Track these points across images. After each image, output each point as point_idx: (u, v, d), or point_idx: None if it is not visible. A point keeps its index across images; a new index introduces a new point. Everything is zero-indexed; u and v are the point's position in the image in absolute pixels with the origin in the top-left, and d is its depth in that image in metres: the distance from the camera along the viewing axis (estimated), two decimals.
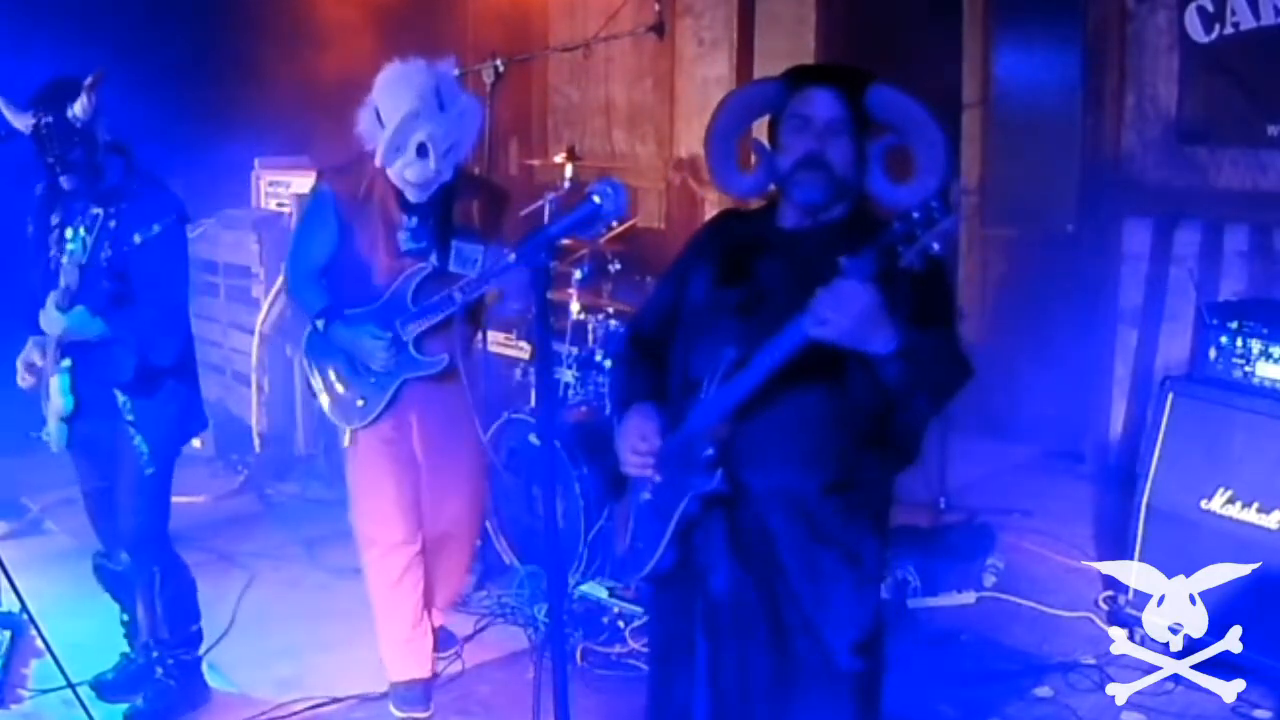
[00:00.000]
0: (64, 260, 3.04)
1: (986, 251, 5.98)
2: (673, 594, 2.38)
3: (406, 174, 3.16)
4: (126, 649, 3.59)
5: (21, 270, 3.38)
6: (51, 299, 3.07)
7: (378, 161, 3.15)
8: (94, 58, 4.24)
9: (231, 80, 6.12)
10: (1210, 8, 4.76)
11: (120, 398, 3.23)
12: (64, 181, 3.12)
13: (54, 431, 3.29)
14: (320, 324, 3.32)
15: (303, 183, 5.98)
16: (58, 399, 3.20)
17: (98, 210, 3.04)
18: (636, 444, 2.32)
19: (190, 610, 3.47)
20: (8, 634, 3.68)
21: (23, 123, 3.10)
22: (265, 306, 5.67)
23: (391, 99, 3.12)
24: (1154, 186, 5.11)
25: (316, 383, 3.43)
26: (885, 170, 2.23)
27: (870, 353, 2.03)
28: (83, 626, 3.84)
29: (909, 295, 2.05)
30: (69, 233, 3.04)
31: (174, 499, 4.12)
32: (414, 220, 3.27)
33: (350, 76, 6.95)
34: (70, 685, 3.11)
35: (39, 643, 3.22)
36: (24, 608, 3.12)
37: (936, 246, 1.94)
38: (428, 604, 3.52)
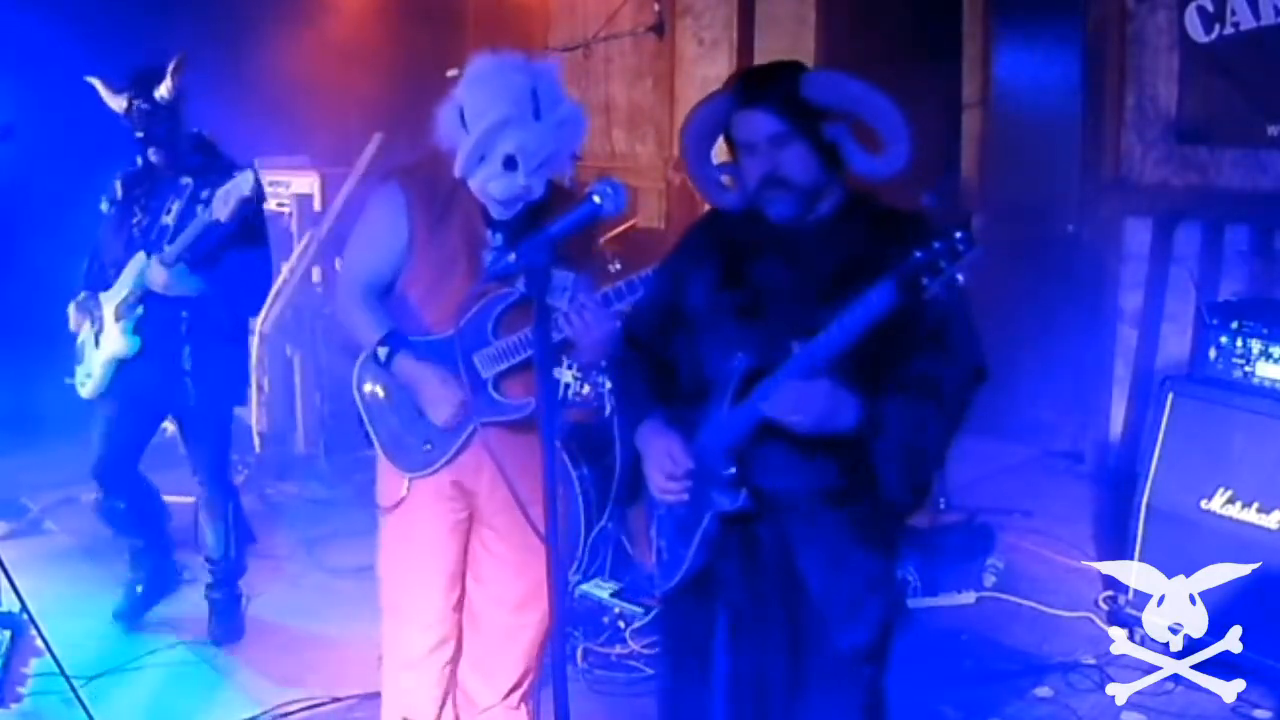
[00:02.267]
0: (165, 221, 3.59)
1: (986, 252, 5.97)
2: (690, 603, 2.37)
3: (490, 188, 2.67)
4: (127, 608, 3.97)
5: (78, 247, 3.90)
6: (138, 258, 3.60)
7: (456, 171, 2.67)
8: (93, 56, 4.25)
9: (231, 80, 6.11)
10: (1210, 8, 4.76)
11: (184, 349, 3.66)
12: (152, 155, 3.65)
13: (96, 374, 3.73)
14: (383, 353, 2.73)
15: (303, 183, 5.99)
16: (119, 341, 3.66)
17: (187, 180, 3.59)
18: (670, 469, 2.25)
19: (246, 537, 4.08)
20: (8, 634, 3.66)
21: (117, 104, 3.62)
22: (265, 306, 5.67)
23: (479, 100, 2.61)
24: (1154, 186, 5.11)
25: (369, 424, 2.86)
26: (859, 144, 2.18)
27: (842, 431, 2.08)
28: (83, 626, 3.84)
29: (923, 315, 2.07)
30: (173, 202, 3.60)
31: (173, 499, 4.18)
32: (499, 238, 2.75)
33: (350, 76, 6.97)
34: (70, 685, 3.11)
35: (39, 642, 3.22)
36: (24, 608, 3.13)
37: (962, 278, 1.92)
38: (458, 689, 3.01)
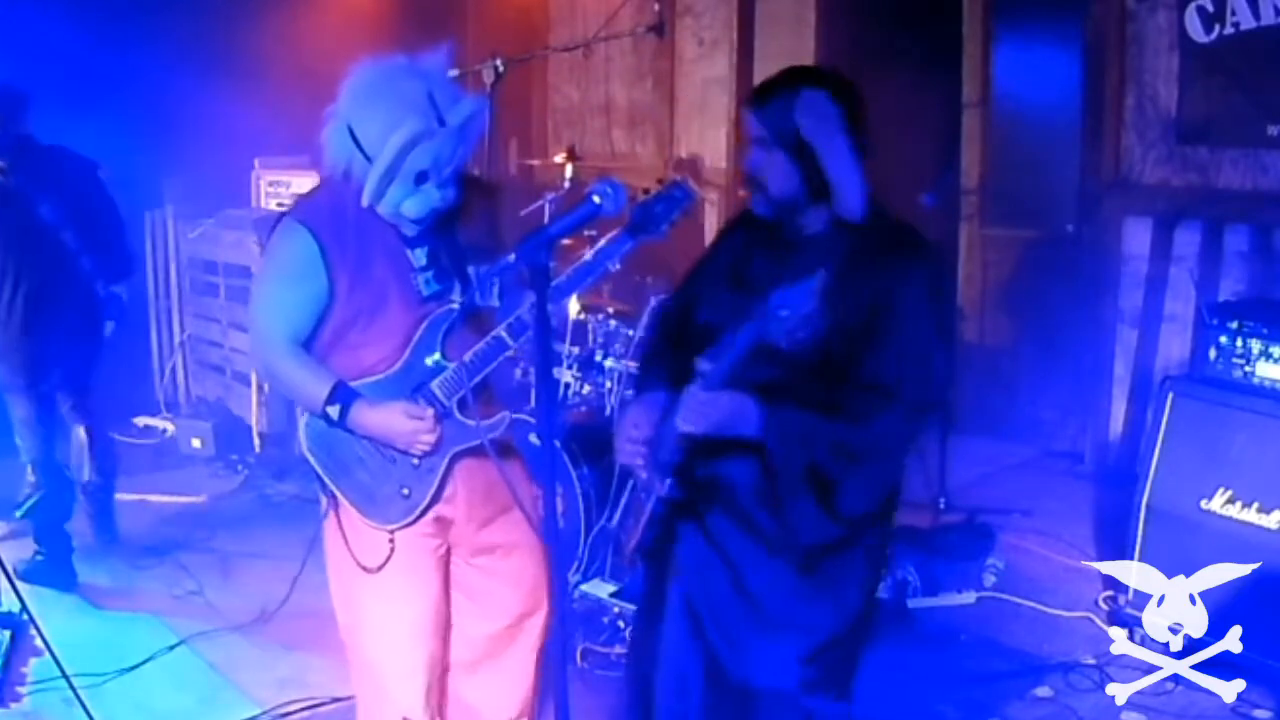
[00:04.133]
0: None
1: (986, 251, 5.98)
2: (650, 577, 2.47)
3: (404, 208, 2.46)
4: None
5: None
6: None
7: (365, 199, 2.44)
8: (94, 55, 4.25)
9: (231, 80, 6.12)
10: (1210, 8, 4.76)
11: None
12: None
13: None
14: (335, 412, 2.49)
15: (303, 183, 5.99)
16: None
17: None
18: (629, 432, 2.34)
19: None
20: (8, 634, 3.67)
21: None
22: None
23: (374, 118, 2.38)
24: (1154, 186, 5.11)
25: (334, 485, 2.61)
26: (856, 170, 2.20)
27: (747, 437, 2.15)
28: (82, 625, 3.85)
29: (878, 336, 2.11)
30: None
31: (173, 498, 4.21)
32: (422, 256, 2.55)
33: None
34: (70, 685, 3.11)
35: (39, 642, 3.22)
36: (24, 608, 3.13)
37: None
38: None
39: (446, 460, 2.57)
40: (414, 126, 2.36)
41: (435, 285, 2.57)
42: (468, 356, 2.52)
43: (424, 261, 2.55)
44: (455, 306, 2.54)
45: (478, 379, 2.53)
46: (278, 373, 2.58)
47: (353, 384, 2.51)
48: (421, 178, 2.42)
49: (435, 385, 2.53)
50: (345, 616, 2.72)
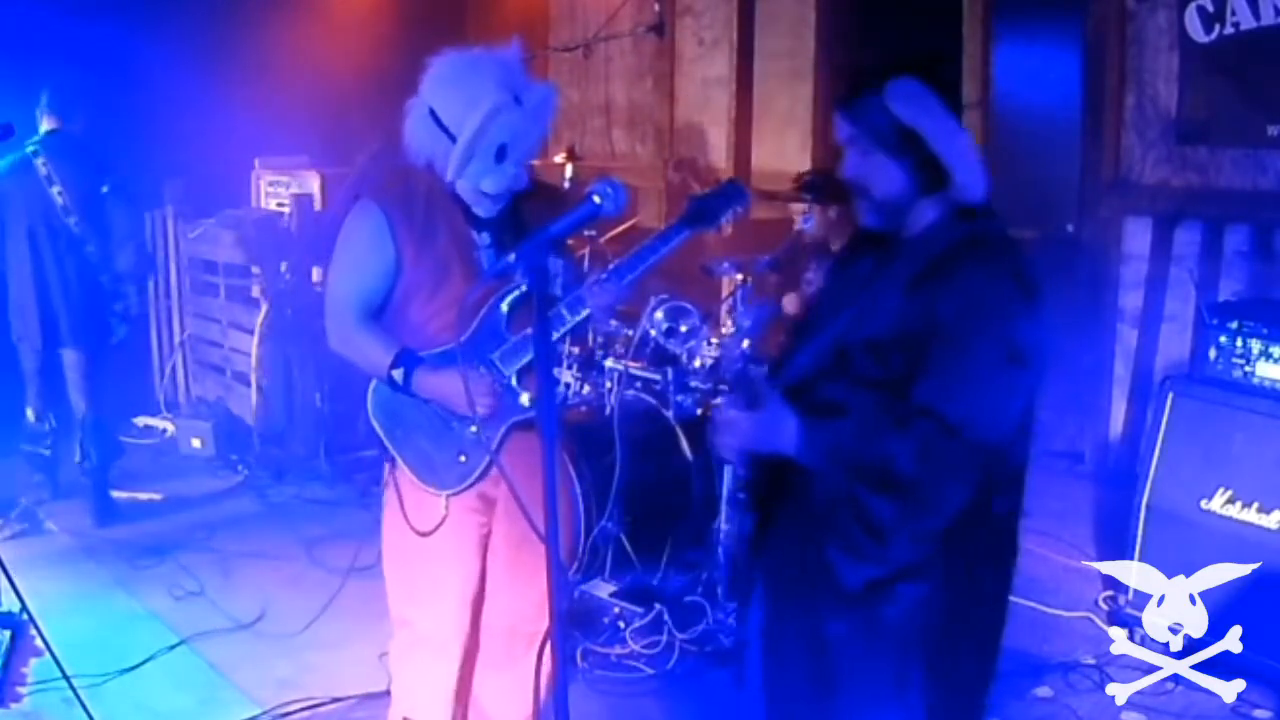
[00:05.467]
0: None
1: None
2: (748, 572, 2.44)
3: (483, 184, 2.59)
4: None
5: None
6: None
7: (449, 175, 2.57)
8: (95, 56, 4.25)
9: (231, 80, 6.12)
10: (1210, 8, 4.76)
11: None
12: None
13: None
14: (399, 375, 2.61)
15: (303, 182, 5.99)
16: None
17: None
18: (725, 434, 2.24)
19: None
20: (8, 634, 3.67)
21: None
22: (265, 306, 5.68)
23: (459, 97, 2.52)
24: (1154, 186, 5.11)
25: (394, 449, 2.73)
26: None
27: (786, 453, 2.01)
28: (82, 625, 3.85)
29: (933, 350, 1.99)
30: None
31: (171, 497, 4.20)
32: (487, 237, 2.68)
33: (350, 77, 7.00)
34: (70, 685, 3.11)
35: (39, 642, 3.23)
36: (24, 608, 3.13)
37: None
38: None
39: (503, 430, 2.65)
40: (494, 99, 2.49)
41: (495, 265, 2.66)
42: (528, 331, 2.59)
43: (487, 243, 2.68)
44: (520, 287, 2.60)
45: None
46: (348, 341, 2.69)
47: (423, 354, 2.62)
48: (501, 154, 2.55)
49: (496, 356, 2.64)
50: (395, 582, 2.81)
